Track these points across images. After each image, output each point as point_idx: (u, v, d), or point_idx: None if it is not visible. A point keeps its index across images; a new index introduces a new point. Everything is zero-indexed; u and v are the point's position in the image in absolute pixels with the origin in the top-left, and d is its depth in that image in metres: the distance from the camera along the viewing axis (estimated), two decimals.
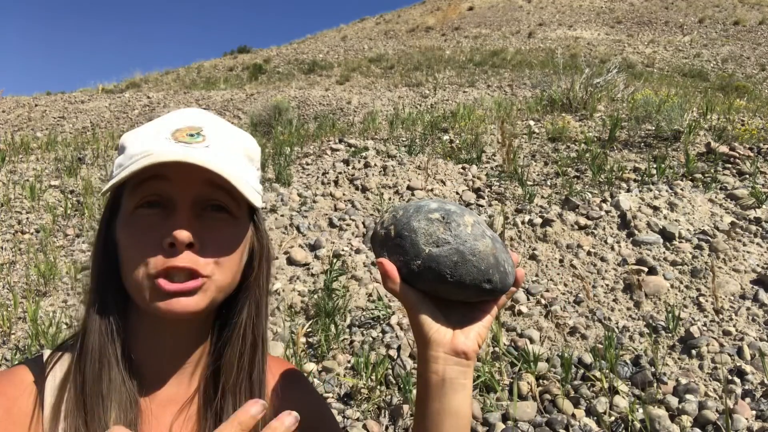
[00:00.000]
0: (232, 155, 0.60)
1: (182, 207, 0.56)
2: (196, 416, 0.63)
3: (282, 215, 3.77)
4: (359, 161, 4.62)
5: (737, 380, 2.11)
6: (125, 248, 0.56)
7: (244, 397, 0.63)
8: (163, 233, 0.54)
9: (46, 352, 0.61)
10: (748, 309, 2.52)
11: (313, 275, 3.09)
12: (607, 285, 2.83)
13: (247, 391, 0.63)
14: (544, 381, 2.19)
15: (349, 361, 2.37)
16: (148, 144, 0.56)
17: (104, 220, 0.60)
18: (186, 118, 0.60)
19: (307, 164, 4.89)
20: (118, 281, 0.58)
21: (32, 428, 0.54)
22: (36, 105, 11.20)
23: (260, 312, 0.65)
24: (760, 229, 3.14)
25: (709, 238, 3.06)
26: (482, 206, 3.83)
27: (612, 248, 3.12)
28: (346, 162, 4.68)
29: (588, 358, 2.28)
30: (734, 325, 2.43)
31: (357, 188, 4.16)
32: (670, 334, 2.42)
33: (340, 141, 5.45)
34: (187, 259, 0.54)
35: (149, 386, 0.60)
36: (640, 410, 1.95)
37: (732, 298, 2.62)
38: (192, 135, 0.58)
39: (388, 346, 2.44)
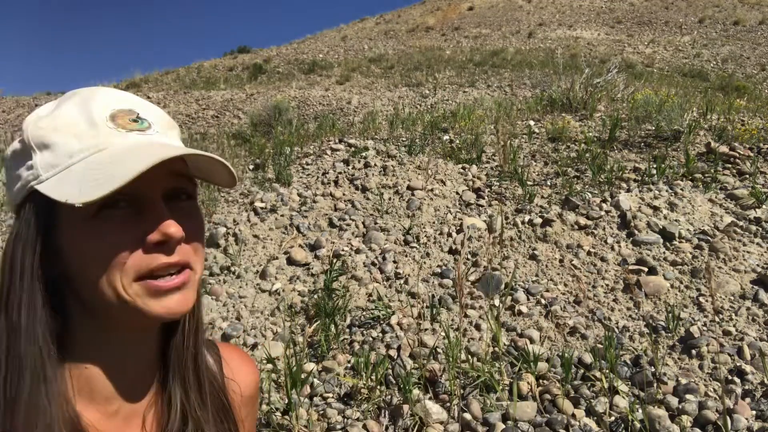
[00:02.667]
0: (175, 136, 0.57)
1: (155, 203, 0.51)
2: (147, 407, 0.61)
3: (282, 215, 3.77)
4: (359, 161, 4.62)
5: (737, 380, 2.11)
6: (91, 255, 0.49)
7: (191, 378, 0.62)
8: (144, 231, 0.50)
9: None
10: (748, 309, 2.52)
11: (313, 275, 3.09)
12: (607, 285, 2.83)
13: (195, 372, 0.62)
14: (544, 381, 2.19)
15: (349, 361, 2.37)
16: (92, 135, 0.51)
17: (37, 227, 0.50)
18: (113, 101, 0.54)
19: (307, 164, 4.89)
20: (53, 305, 0.51)
21: None
22: (36, 105, 11.20)
23: (200, 296, 0.63)
24: (760, 229, 3.14)
25: (709, 238, 3.06)
26: (482, 206, 3.83)
27: (612, 248, 3.12)
28: (346, 162, 4.68)
29: (588, 358, 2.28)
30: (734, 325, 2.43)
31: (357, 188, 4.16)
32: (670, 334, 2.42)
33: (340, 141, 5.44)
34: (180, 253, 0.52)
35: (105, 405, 0.56)
36: (640, 410, 1.95)
37: (732, 298, 2.62)
38: (135, 120, 0.53)
39: (388, 346, 2.44)
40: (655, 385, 2.11)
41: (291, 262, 3.22)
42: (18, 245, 0.50)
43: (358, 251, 3.27)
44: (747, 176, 3.90)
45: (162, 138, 0.54)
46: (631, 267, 2.90)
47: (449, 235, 3.41)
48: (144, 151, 0.49)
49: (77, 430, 0.51)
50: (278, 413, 2.05)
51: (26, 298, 0.50)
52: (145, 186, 0.51)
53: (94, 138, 0.50)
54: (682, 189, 3.72)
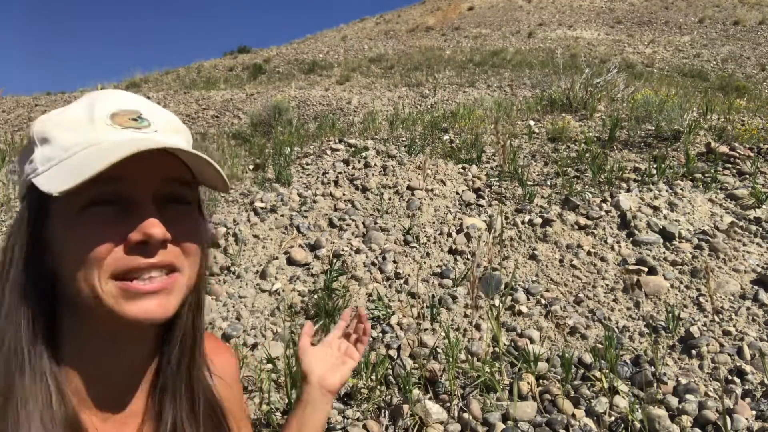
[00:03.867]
0: (179, 139, 0.56)
1: (144, 204, 0.51)
2: (139, 419, 0.60)
3: (282, 215, 3.77)
4: (359, 161, 4.62)
5: (737, 380, 2.11)
6: (72, 250, 0.49)
7: (185, 398, 0.60)
8: (127, 229, 0.49)
9: None
10: (748, 309, 2.52)
11: (313, 275, 3.09)
12: (607, 285, 2.83)
13: (188, 391, 0.61)
14: (544, 381, 2.19)
15: None
16: (88, 132, 0.51)
17: (29, 220, 0.52)
18: (117, 102, 0.54)
19: (307, 164, 4.89)
20: (44, 299, 0.51)
21: None
22: (36, 105, 11.19)
23: (200, 308, 0.62)
24: (760, 229, 3.14)
25: (709, 238, 3.06)
26: (482, 206, 3.83)
27: (612, 248, 3.12)
28: (346, 162, 4.68)
29: (588, 358, 2.28)
30: (734, 325, 2.43)
31: (357, 188, 4.16)
32: (670, 334, 2.42)
33: (340, 141, 5.44)
34: (163, 255, 0.51)
35: (100, 413, 0.56)
36: (640, 410, 1.95)
37: (732, 298, 2.62)
38: (135, 119, 0.53)
39: (388, 346, 2.44)
40: (655, 385, 2.11)
41: (291, 262, 3.22)
42: (11, 238, 0.52)
43: (358, 251, 3.27)
44: (747, 176, 3.90)
45: (158, 137, 0.53)
46: (631, 267, 2.90)
47: (449, 235, 3.41)
48: (129, 145, 0.49)
49: (76, 430, 0.51)
50: (278, 413, 2.05)
51: (14, 291, 0.50)
52: (135, 187, 0.51)
53: (90, 133, 0.51)
54: (682, 189, 3.72)
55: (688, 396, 2.02)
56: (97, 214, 0.49)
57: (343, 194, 4.09)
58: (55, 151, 0.50)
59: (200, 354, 0.63)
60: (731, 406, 1.96)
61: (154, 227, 0.50)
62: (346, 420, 2.03)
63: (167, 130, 0.56)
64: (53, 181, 0.48)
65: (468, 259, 3.17)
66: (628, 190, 3.81)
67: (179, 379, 0.60)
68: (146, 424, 0.60)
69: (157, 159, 0.51)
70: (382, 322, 2.62)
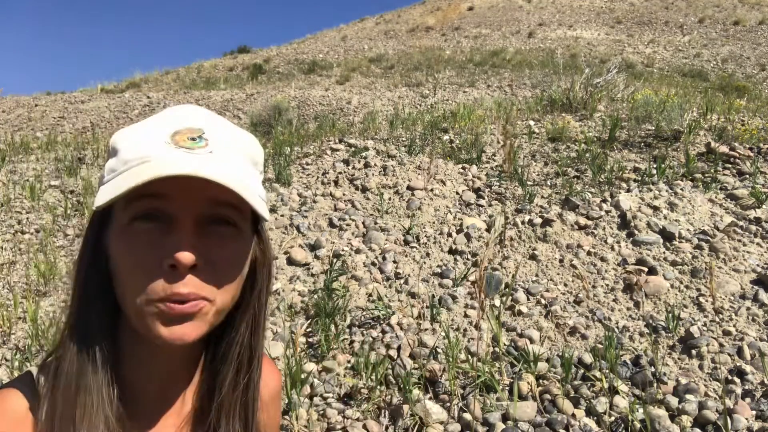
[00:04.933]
0: (237, 161, 0.56)
1: (183, 224, 0.51)
2: None
3: (282, 215, 3.77)
4: (359, 161, 4.62)
5: (737, 380, 2.11)
6: (122, 266, 0.52)
7: (238, 416, 0.61)
8: (165, 252, 0.50)
9: (34, 369, 0.56)
10: (748, 309, 2.52)
11: (313, 275, 3.09)
12: (607, 285, 2.83)
13: (242, 410, 0.62)
14: (544, 381, 2.19)
15: (349, 361, 2.37)
16: (145, 148, 0.52)
17: (93, 229, 0.56)
18: (185, 119, 0.55)
19: (307, 164, 4.89)
20: (106, 297, 0.54)
21: None
22: (36, 105, 11.20)
23: (258, 328, 0.62)
24: (760, 229, 3.14)
25: (709, 238, 3.06)
26: (482, 206, 3.83)
27: (612, 248, 3.12)
28: (346, 162, 4.68)
29: (588, 358, 2.28)
30: (734, 325, 2.43)
31: (357, 188, 4.16)
32: (670, 334, 2.42)
33: (340, 141, 5.44)
34: (190, 284, 0.51)
35: (142, 411, 0.58)
36: (640, 410, 1.95)
37: (732, 298, 2.62)
38: (193, 139, 0.53)
39: (388, 346, 2.44)
40: (655, 385, 2.11)
41: (291, 262, 3.22)
42: (84, 244, 0.56)
43: (358, 251, 3.27)
44: (747, 176, 3.90)
45: (212, 158, 0.52)
46: (631, 267, 2.90)
47: (449, 235, 3.41)
48: (165, 167, 0.49)
49: (123, 425, 0.54)
50: None
51: (85, 293, 0.55)
52: (177, 205, 0.51)
53: (147, 149, 0.52)
54: (682, 189, 3.72)
55: (688, 396, 2.02)
56: (142, 230, 0.51)
57: (343, 194, 4.09)
58: (118, 164, 0.52)
59: (258, 375, 0.63)
60: (731, 406, 1.97)
61: (183, 254, 0.50)
62: (346, 420, 2.03)
63: (225, 150, 0.54)
64: (102, 193, 0.51)
65: (468, 259, 3.17)
66: (628, 190, 3.81)
67: (235, 398, 0.61)
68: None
69: (204, 180, 0.50)
70: (382, 322, 2.62)
